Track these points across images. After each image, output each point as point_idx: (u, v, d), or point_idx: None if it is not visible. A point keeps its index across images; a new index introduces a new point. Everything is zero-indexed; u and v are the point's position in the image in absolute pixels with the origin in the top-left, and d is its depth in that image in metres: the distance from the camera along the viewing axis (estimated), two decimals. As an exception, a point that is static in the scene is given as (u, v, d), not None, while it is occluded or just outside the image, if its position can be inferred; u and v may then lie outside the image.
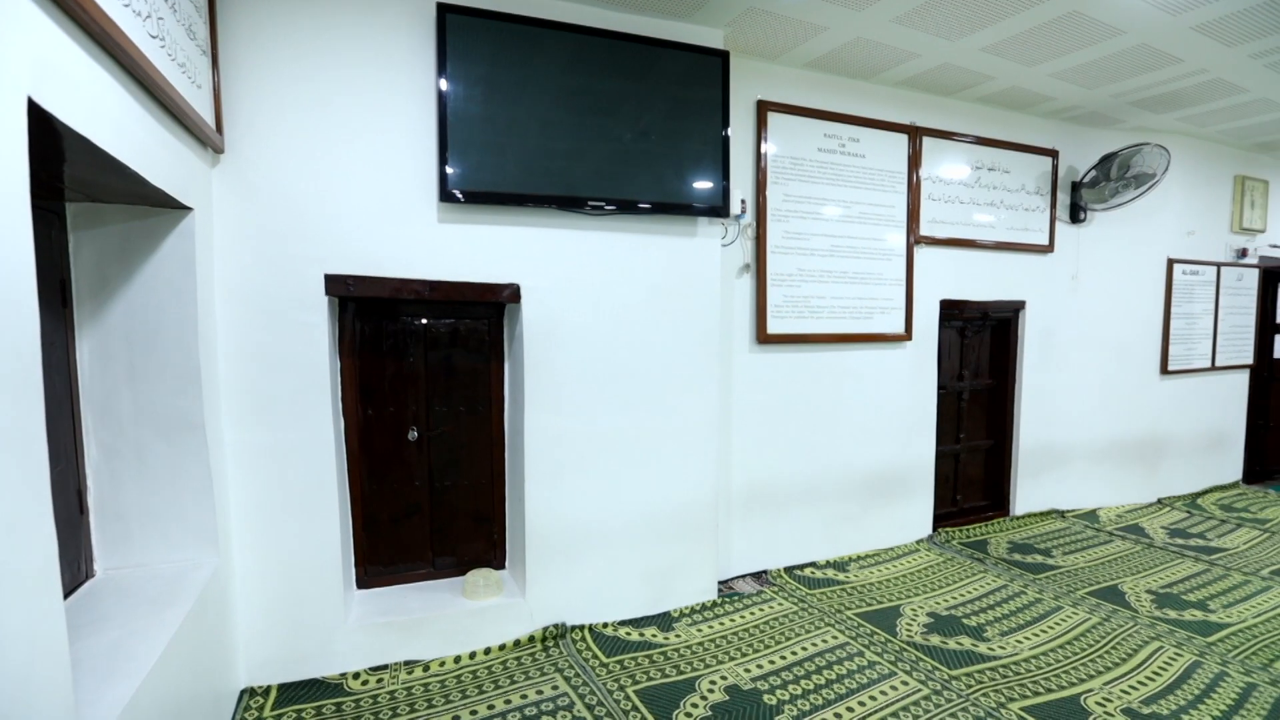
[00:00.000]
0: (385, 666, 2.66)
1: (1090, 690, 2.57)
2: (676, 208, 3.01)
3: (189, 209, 2.11)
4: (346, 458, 2.83)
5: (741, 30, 3.16)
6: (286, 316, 2.47)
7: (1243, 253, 5.38)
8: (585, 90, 2.81)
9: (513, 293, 2.80)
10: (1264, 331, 5.97)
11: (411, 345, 2.95)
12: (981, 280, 4.33)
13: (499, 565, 3.18)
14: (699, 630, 3.04)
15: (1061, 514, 4.77)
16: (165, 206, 2.06)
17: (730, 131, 3.10)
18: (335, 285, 2.52)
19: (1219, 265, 5.24)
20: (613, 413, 3.02)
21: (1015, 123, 4.36)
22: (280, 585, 2.51)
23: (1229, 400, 5.52)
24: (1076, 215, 4.62)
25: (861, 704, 2.47)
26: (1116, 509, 4.92)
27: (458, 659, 2.74)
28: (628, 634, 3.00)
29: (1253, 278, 5.53)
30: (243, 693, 2.48)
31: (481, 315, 3.04)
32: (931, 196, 4.06)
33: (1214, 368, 5.30)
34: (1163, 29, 3.13)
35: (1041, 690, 2.56)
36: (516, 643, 2.85)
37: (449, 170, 2.60)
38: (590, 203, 2.84)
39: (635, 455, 3.09)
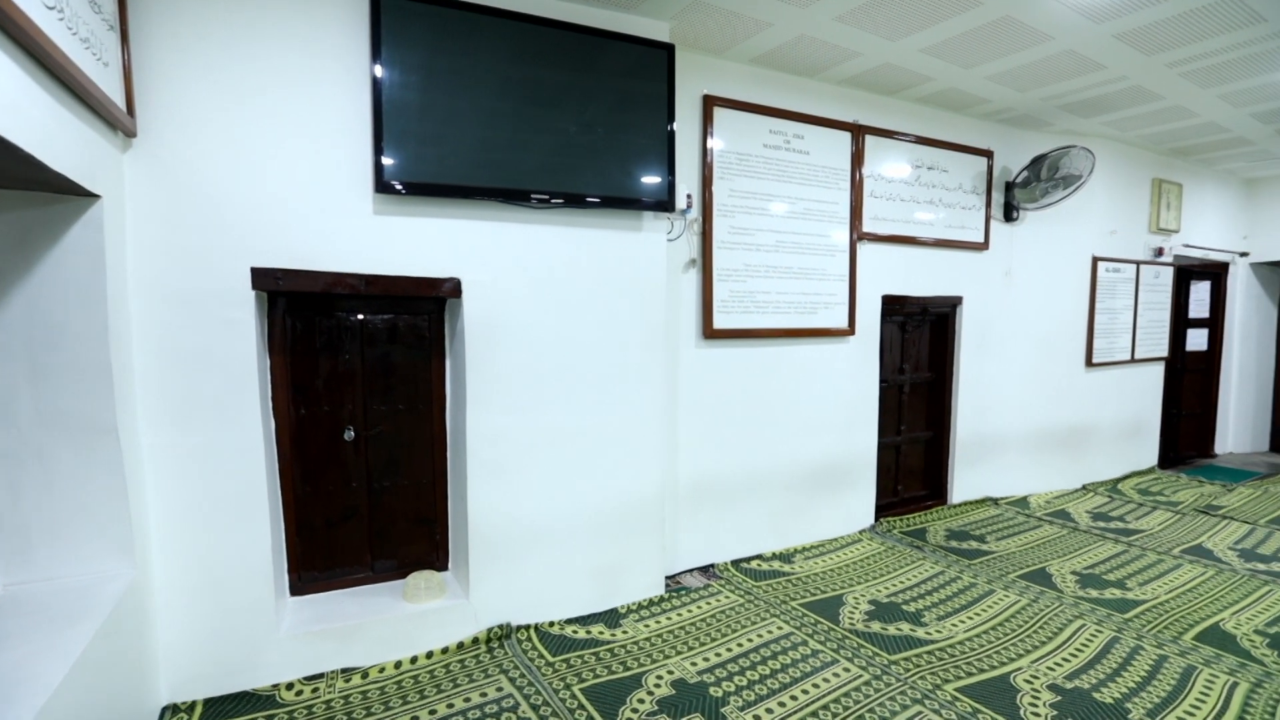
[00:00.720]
0: (321, 675, 2.56)
1: (1019, 669, 2.68)
2: (622, 201, 2.98)
3: (96, 196, 1.96)
4: (278, 460, 2.71)
5: (687, 23, 3.15)
6: (210, 312, 2.34)
7: (1159, 252, 5.70)
8: (529, 81, 2.75)
9: (453, 287, 2.73)
10: (1178, 326, 6.36)
11: (347, 342, 2.84)
12: (921, 276, 4.45)
13: (442, 567, 3.10)
14: (646, 626, 3.04)
15: (995, 501, 4.97)
16: (69, 193, 1.92)
17: (676, 126, 3.09)
18: (263, 279, 2.39)
19: (1138, 263, 5.54)
20: (557, 409, 2.98)
21: (953, 123, 4.49)
22: (206, 595, 2.39)
23: (1146, 391, 5.85)
24: (1010, 214, 4.80)
25: (805, 692, 2.51)
26: (1046, 495, 5.16)
27: (398, 664, 2.66)
28: (574, 632, 2.97)
29: (1168, 275, 5.87)
30: (165, 710, 2.35)
31: (421, 311, 2.95)
32: (874, 194, 4.15)
33: (1133, 360, 5.60)
34: (1087, 36, 3.26)
35: (974, 670, 2.66)
36: (460, 645, 2.79)
37: (385, 161, 2.50)
38: (534, 195, 2.78)
39: (581, 452, 3.06)
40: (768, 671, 2.65)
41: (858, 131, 4.02)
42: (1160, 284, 5.79)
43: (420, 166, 2.57)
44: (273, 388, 2.66)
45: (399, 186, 2.54)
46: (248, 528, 2.43)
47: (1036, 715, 2.37)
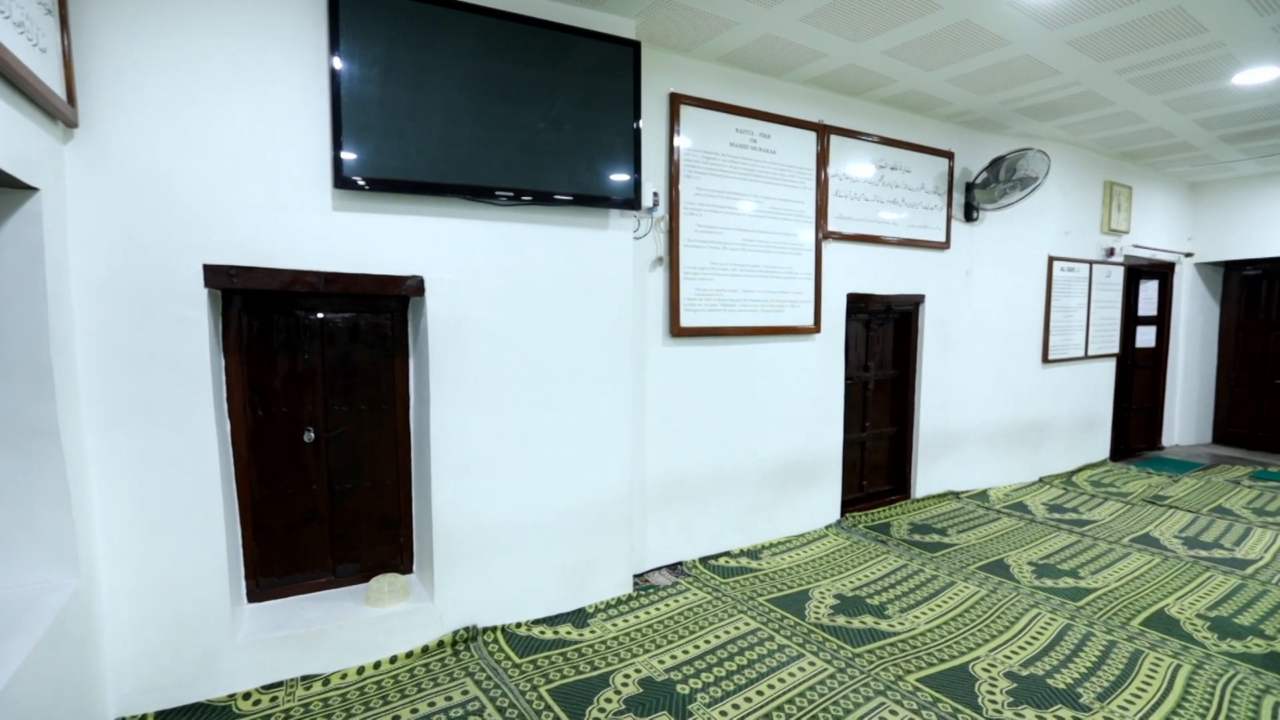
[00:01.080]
0: (280, 684, 2.49)
1: (978, 658, 2.75)
2: (588, 199, 2.96)
3: (34, 189, 1.87)
4: (234, 463, 2.63)
5: (653, 21, 3.14)
6: (160, 310, 2.25)
7: (1110, 252, 5.90)
8: (494, 76, 2.71)
9: (416, 285, 2.68)
10: (1128, 323, 6.59)
11: (307, 341, 2.77)
12: (885, 275, 4.53)
13: (406, 569, 3.05)
14: (614, 625, 3.03)
15: (957, 495, 5.09)
16: (4, 186, 1.83)
17: (643, 124, 3.08)
18: (216, 277, 2.32)
19: (1091, 263, 5.72)
20: (524, 408, 2.96)
21: (915, 124, 4.57)
22: (157, 604, 2.30)
23: (1099, 386, 6.06)
24: (970, 214, 4.91)
25: (771, 686, 2.53)
26: (1004, 488, 5.30)
27: (361, 670, 2.61)
28: (542, 632, 2.95)
29: (1119, 275, 6.07)
30: (114, 723, 2.26)
31: (384, 309, 2.89)
32: (839, 193, 4.21)
33: (1087, 356, 5.79)
34: (1042, 42, 3.35)
35: (935, 661, 2.72)
36: (425, 649, 2.75)
37: (345, 156, 2.45)
38: (499, 192, 2.75)
39: (548, 451, 3.04)
40: (734, 667, 2.67)
41: (823, 131, 4.07)
42: (1112, 283, 5.99)
43: (382, 162, 2.52)
44: (228, 389, 2.58)
45: (359, 182, 2.48)
46: (201, 533, 2.36)
47: (994, 703, 2.43)
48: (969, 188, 4.88)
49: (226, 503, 2.47)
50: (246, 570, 2.71)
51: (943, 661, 2.72)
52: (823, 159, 4.08)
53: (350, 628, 2.62)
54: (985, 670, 2.65)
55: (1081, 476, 5.73)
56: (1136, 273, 6.68)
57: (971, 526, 4.43)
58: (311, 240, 2.48)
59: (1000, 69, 3.72)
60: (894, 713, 2.37)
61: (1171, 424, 7.11)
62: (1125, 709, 2.40)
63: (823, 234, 4.13)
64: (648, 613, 3.16)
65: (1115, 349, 6.12)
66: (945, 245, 4.81)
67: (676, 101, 3.49)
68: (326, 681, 2.53)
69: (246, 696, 2.42)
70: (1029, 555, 3.91)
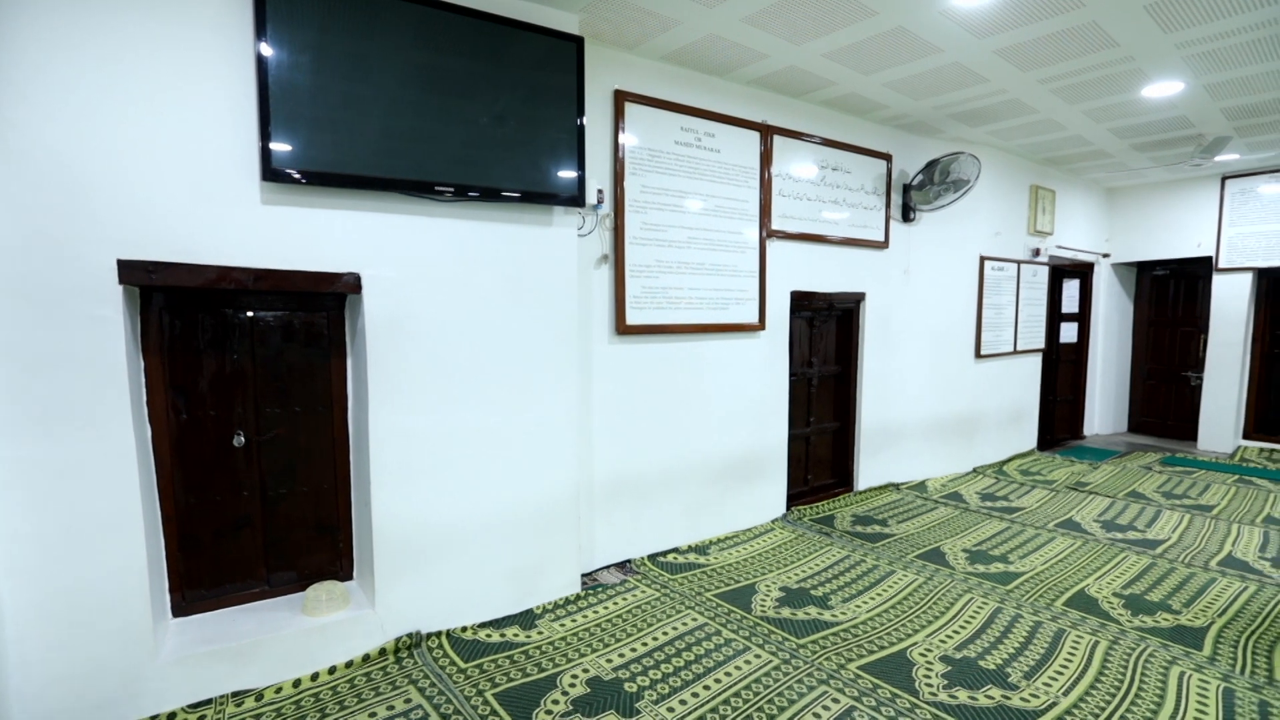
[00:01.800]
0: (209, 701, 2.38)
1: (915, 643, 2.85)
2: (531, 195, 2.93)
3: (-79, 178, 1.72)
4: (156, 470, 2.48)
5: (597, 17, 3.12)
6: (70, 309, 2.11)
7: (1036, 252, 6.21)
8: (434, 69, 2.64)
9: (353, 282, 2.59)
10: (1052, 320, 6.95)
11: (236, 341, 2.65)
12: (828, 273, 4.64)
13: (346, 576, 2.96)
14: (562, 625, 3.01)
15: (897, 486, 5.27)
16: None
17: (587, 120, 3.07)
18: (132, 273, 2.18)
19: (1019, 263, 6.01)
20: (467, 408, 2.90)
21: (855, 127, 4.70)
22: (70, 624, 2.16)
23: (1027, 380, 6.37)
24: (907, 215, 5.08)
25: (717, 680, 2.56)
26: (942, 479, 5.52)
27: (297, 683, 2.51)
28: (488, 636, 2.91)
29: (1044, 274, 6.40)
30: (22, 751, 2.11)
31: (319, 307, 2.78)
32: (782, 193, 4.28)
33: (1016, 352, 6.08)
34: (971, 50, 3.49)
35: (875, 648, 2.81)
36: (366, 657, 2.66)
37: (274, 147, 2.34)
38: (439, 187, 2.68)
39: (492, 451, 2.99)
40: (682, 664, 2.69)
41: (766, 131, 4.14)
42: (1038, 282, 6.31)
43: (314, 154, 2.42)
44: (148, 391, 2.44)
45: (290, 175, 2.38)
46: (118, 546, 2.22)
47: (930, 685, 2.53)
48: (906, 189, 5.04)
49: (147, 512, 2.33)
50: (171, 583, 2.57)
51: (882, 649, 2.81)
52: (766, 158, 4.15)
53: (285, 639, 2.51)
54: (922, 655, 2.75)
55: (1011, 466, 6.02)
56: (1060, 272, 7.06)
57: (911, 516, 4.59)
58: (239, 235, 2.36)
59: (933, 74, 3.86)
60: (836, 700, 2.43)
61: (1092, 414, 7.54)
62: (1049, 685, 2.53)
63: (767, 232, 4.20)
64: (596, 612, 3.15)
65: (1041, 344, 6.45)
66: (884, 245, 4.97)
67: (621, 99, 3.49)
68: (260, 697, 2.42)
69: (171, 717, 2.29)
70: (963, 543, 4.08)
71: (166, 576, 2.55)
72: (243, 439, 2.67)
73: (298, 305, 2.74)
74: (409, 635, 2.78)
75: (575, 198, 3.03)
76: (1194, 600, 3.27)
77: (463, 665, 2.66)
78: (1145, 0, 2.96)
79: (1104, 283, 7.43)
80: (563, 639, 2.89)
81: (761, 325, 4.23)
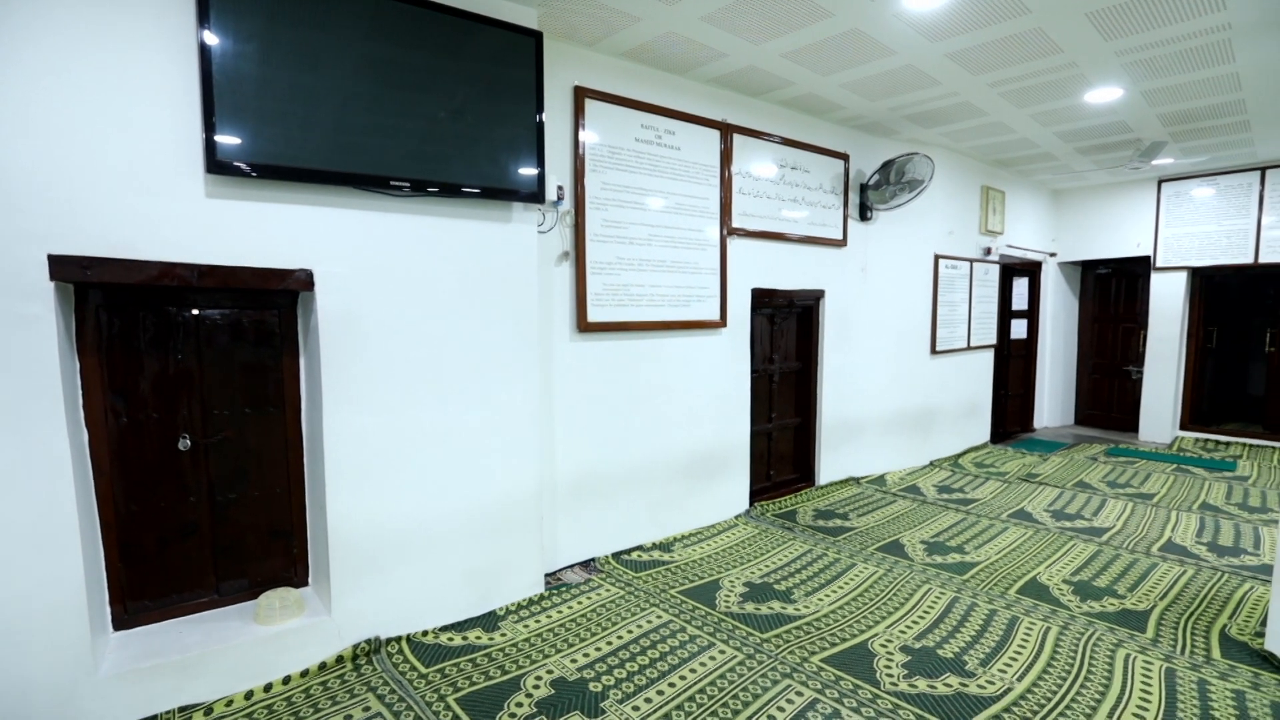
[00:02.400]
0: (154, 718, 2.27)
1: (876, 635, 2.90)
2: (490, 191, 2.88)
3: None
4: (94, 477, 2.36)
5: (556, 12, 3.10)
6: (-5, 307, 1.99)
7: (988, 251, 6.40)
8: (389, 62, 2.58)
9: (304, 279, 2.51)
10: (1003, 317, 7.17)
11: (181, 340, 2.54)
12: (788, 271, 4.70)
13: (300, 582, 2.86)
14: (525, 626, 2.98)
15: (857, 480, 5.37)
16: None
17: (547, 117, 3.04)
18: (64, 269, 2.07)
19: (971, 261, 6.19)
20: (426, 408, 2.84)
21: (813, 127, 4.77)
22: (-2, 639, 2.04)
23: (980, 375, 6.56)
24: (864, 214, 5.18)
25: (682, 678, 2.56)
26: (900, 472, 5.64)
27: (249, 695, 2.42)
28: (450, 639, 2.85)
29: (995, 272, 6.60)
30: (-54, 778, 1.98)
31: (269, 304, 2.69)
32: (742, 191, 4.32)
33: (969, 347, 6.26)
34: (924, 53, 3.58)
35: (838, 641, 2.85)
36: (323, 665, 2.58)
37: (219, 139, 2.25)
38: (394, 182, 2.62)
39: (453, 451, 2.94)
40: (647, 661, 2.68)
41: (726, 130, 4.16)
42: (989, 280, 6.50)
43: (263, 146, 2.34)
44: (84, 394, 2.32)
45: (236, 167, 2.29)
46: (52, 557, 2.10)
47: (890, 675, 2.57)
48: (863, 189, 5.14)
49: (84, 522, 2.21)
50: (111, 595, 2.45)
51: (844, 641, 2.85)
52: (726, 157, 4.17)
53: (236, 649, 2.42)
54: (883, 646, 2.80)
55: (966, 459, 6.19)
56: (1010, 270, 7.29)
57: (870, 510, 4.68)
58: (182, 229, 2.26)
59: (888, 76, 3.93)
60: (799, 694, 2.46)
61: (1041, 408, 7.81)
62: (1004, 671, 2.60)
63: (728, 230, 4.23)
64: (560, 611, 3.12)
65: (993, 340, 6.66)
66: (843, 243, 5.05)
67: (581, 95, 3.46)
68: (209, 710, 2.33)
69: (112, 734, 2.19)
70: (921, 534, 4.17)
71: (106, 588, 2.43)
72: (189, 442, 2.56)
73: (247, 302, 2.64)
74: (367, 641, 2.70)
75: (535, 194, 3.00)
76: (1138, 585, 3.41)
77: (424, 670, 2.60)
78: (1087, 8, 3.08)
79: (1051, 281, 7.71)
80: (526, 640, 2.85)
81: (723, 322, 4.25)
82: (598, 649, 2.78)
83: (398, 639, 2.80)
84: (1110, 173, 6.68)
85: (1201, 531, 4.22)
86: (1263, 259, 6.27)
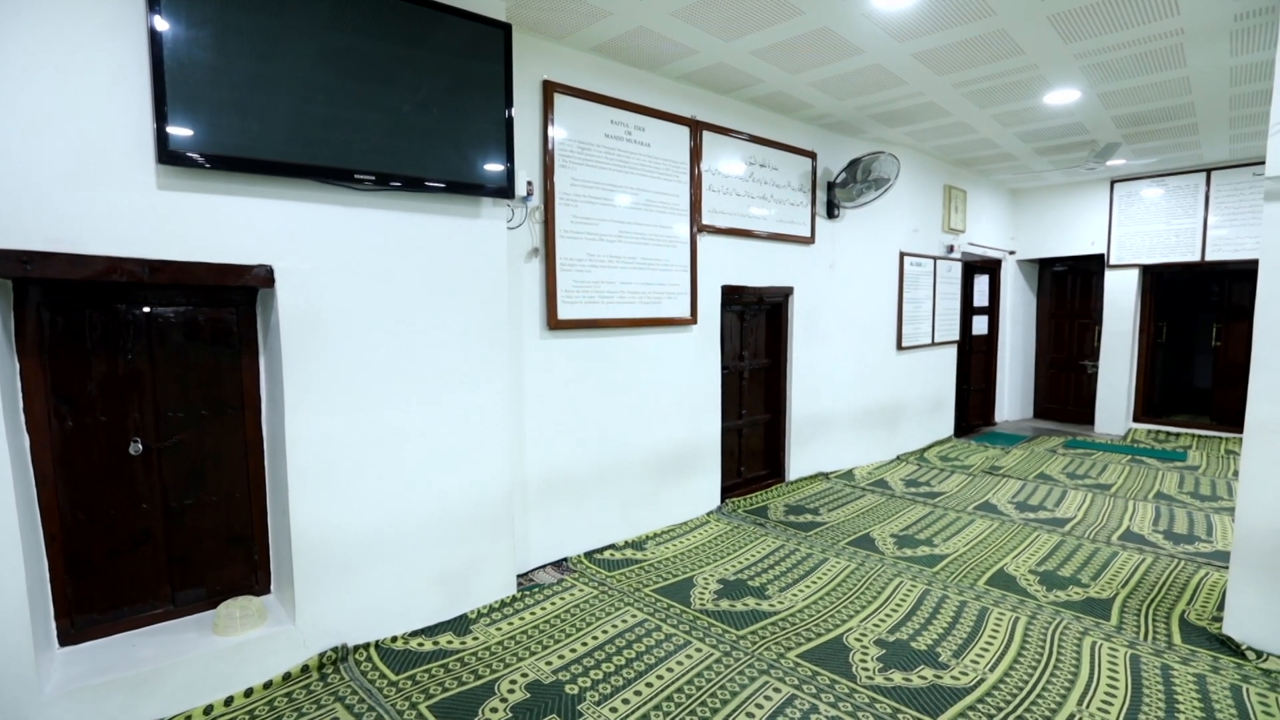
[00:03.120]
0: (104, 735, 2.15)
1: (850, 629, 2.92)
2: (458, 186, 2.82)
3: None
4: (37, 484, 2.23)
5: (525, 4, 3.04)
6: (-75, 304, 1.86)
7: (950, 249, 6.53)
8: (353, 52, 2.49)
9: (264, 275, 2.41)
10: (965, 313, 7.33)
11: (131, 339, 2.41)
12: (757, 268, 4.71)
13: (262, 590, 2.75)
14: (498, 629, 2.92)
15: (826, 476, 5.42)
16: None
17: (516, 111, 2.98)
18: (3, 264, 1.95)
19: (935, 259, 6.30)
20: (392, 407, 2.76)
21: (781, 125, 4.79)
22: (-69, 659, 1.90)
23: (944, 370, 6.69)
24: (832, 211, 5.23)
25: (659, 677, 2.54)
26: (868, 467, 5.72)
27: (209, 710, 2.31)
28: (420, 645, 2.78)
29: (958, 269, 6.74)
30: (-128, 811, 1.84)
31: (227, 302, 2.58)
32: (712, 188, 4.31)
33: (933, 344, 6.38)
34: (892, 53, 3.62)
35: (813, 636, 2.86)
36: (287, 676, 2.49)
37: (171, 128, 2.14)
38: (358, 175, 2.53)
39: (419, 452, 2.86)
40: (623, 662, 2.65)
41: (696, 127, 4.15)
42: (952, 277, 6.63)
43: (219, 137, 2.24)
44: (25, 397, 2.19)
45: (190, 158, 2.18)
46: (-8, 570, 1.98)
47: (866, 669, 2.59)
48: (830, 186, 5.19)
49: (26, 533, 2.09)
50: (57, 609, 2.31)
51: (820, 636, 2.86)
52: (696, 154, 4.17)
53: (194, 662, 2.31)
54: (858, 640, 2.82)
55: (932, 452, 6.31)
56: (971, 268, 7.45)
57: (841, 504, 4.72)
58: (132, 222, 2.15)
59: (856, 75, 3.97)
60: (776, 690, 2.45)
61: (1002, 402, 8.01)
62: (977, 662, 2.64)
63: (698, 227, 4.22)
64: (533, 613, 3.07)
65: (956, 336, 6.80)
66: (811, 240, 5.09)
67: (550, 89, 3.41)
68: (164, 727, 2.22)
69: (59, 757, 2.07)
70: (891, 528, 4.23)
71: (51, 602, 2.29)
72: (140, 446, 2.44)
73: (203, 300, 2.53)
74: (334, 649, 2.62)
75: (504, 189, 2.94)
76: (1100, 574, 3.50)
77: (394, 678, 2.52)
78: (1049, 11, 3.15)
79: (1010, 278, 7.91)
80: (499, 643, 2.80)
81: (694, 319, 4.24)
82: (573, 650, 2.74)
83: (366, 646, 2.71)
84: (1066, 173, 6.88)
85: (1158, 520, 4.37)
86: (1209, 257, 6.53)
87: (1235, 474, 5.52)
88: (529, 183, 3.24)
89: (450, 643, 2.80)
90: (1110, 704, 2.37)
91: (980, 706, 2.35)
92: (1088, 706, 2.36)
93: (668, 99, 4.01)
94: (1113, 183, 7.05)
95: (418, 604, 2.89)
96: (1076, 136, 5.40)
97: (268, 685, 2.44)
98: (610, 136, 3.70)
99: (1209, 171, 6.49)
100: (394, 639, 2.80)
